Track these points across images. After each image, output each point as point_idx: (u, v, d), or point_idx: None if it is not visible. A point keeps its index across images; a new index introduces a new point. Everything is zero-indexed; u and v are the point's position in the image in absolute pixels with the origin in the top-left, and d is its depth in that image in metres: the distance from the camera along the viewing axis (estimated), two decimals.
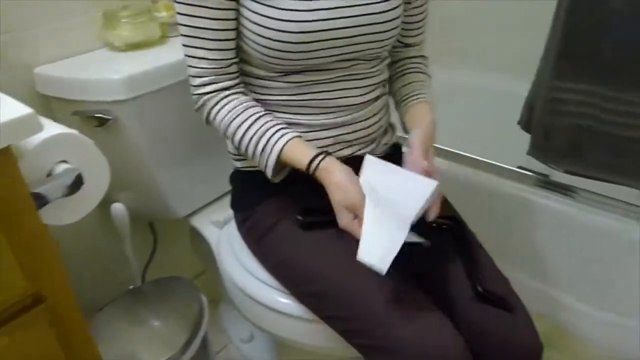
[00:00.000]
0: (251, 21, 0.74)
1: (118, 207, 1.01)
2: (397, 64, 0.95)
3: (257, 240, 0.87)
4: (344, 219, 0.73)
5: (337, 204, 0.73)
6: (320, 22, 0.73)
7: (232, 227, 0.98)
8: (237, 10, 0.76)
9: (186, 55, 0.79)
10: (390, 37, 0.80)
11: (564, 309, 1.25)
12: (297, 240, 0.81)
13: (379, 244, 0.66)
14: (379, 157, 0.90)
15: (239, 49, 0.79)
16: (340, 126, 0.82)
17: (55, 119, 1.01)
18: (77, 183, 0.58)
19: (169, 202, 1.10)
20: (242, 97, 0.81)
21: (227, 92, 0.80)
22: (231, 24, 0.77)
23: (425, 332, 0.68)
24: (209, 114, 0.81)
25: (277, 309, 0.86)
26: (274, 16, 0.72)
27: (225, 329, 1.35)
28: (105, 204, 1.03)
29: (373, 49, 0.80)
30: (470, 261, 0.77)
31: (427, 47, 0.98)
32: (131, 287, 1.09)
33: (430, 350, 0.67)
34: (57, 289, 0.54)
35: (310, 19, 0.73)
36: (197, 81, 0.80)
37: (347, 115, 0.82)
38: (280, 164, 0.78)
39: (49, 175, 0.57)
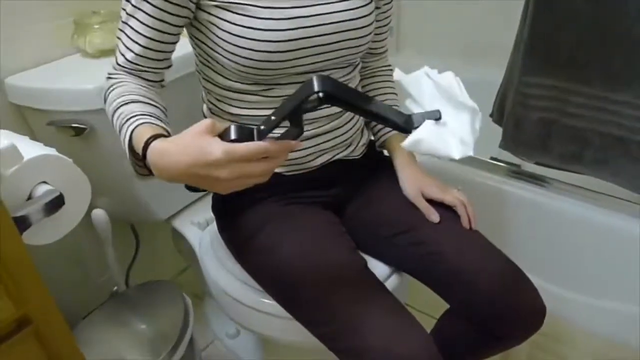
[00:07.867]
0: (228, 32, 0.72)
1: (99, 214, 1.01)
2: (366, 72, 0.97)
3: (237, 247, 0.88)
4: (223, 172, 0.55)
5: (198, 166, 0.56)
6: (301, 30, 0.73)
7: (214, 228, 0.99)
8: (183, 26, 0.74)
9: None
10: (367, 42, 0.81)
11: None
12: (275, 250, 0.81)
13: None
14: (356, 159, 0.91)
15: (214, 62, 0.78)
16: (321, 135, 0.83)
17: (30, 129, 1.01)
18: (58, 203, 0.59)
19: (150, 206, 1.10)
20: (135, 84, 0.74)
21: (128, 80, 0.74)
22: (166, 32, 0.73)
23: (395, 338, 0.69)
24: (105, 96, 0.74)
25: (261, 310, 0.88)
26: (254, 26, 0.71)
27: (211, 324, 1.37)
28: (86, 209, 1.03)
29: (351, 54, 0.80)
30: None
31: (402, 34, 0.98)
32: (115, 288, 1.10)
33: (400, 357, 0.68)
34: (43, 310, 0.55)
35: (291, 27, 0.72)
36: (112, 70, 0.76)
37: (326, 124, 0.83)
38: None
39: (29, 198, 0.58)
